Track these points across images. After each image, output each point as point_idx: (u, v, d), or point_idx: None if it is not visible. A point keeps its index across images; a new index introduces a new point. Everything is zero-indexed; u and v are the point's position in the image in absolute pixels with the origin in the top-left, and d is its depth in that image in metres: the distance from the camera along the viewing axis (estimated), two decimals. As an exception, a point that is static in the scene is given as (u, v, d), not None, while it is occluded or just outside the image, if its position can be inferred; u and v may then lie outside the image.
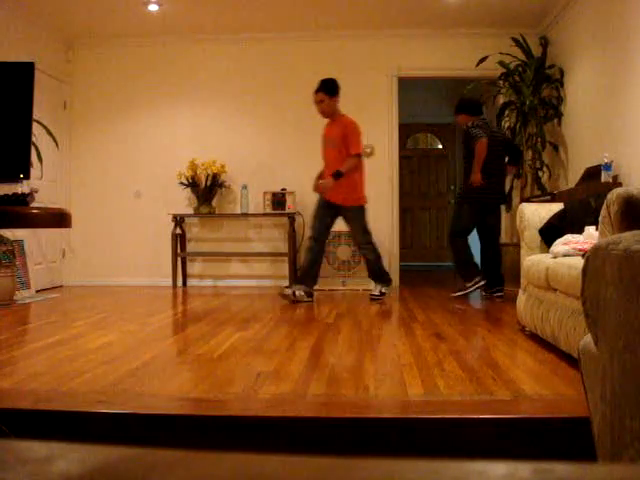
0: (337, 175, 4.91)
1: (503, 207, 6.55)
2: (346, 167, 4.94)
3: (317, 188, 5.06)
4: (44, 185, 5.79)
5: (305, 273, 5.11)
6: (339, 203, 5.04)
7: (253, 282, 6.58)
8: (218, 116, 6.67)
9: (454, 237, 5.39)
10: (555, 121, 5.95)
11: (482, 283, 5.24)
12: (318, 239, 5.10)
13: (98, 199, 6.72)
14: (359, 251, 5.42)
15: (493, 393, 2.19)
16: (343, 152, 4.97)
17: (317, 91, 5.05)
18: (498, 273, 5.35)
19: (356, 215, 5.08)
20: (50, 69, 6.19)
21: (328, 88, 5.02)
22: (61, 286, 6.54)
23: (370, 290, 5.99)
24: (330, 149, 5.07)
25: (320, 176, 5.21)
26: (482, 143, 5.11)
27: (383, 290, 5.18)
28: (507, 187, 5.83)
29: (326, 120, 5.17)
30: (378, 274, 5.20)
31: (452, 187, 9.27)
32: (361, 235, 5.13)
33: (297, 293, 5.00)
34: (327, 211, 5.08)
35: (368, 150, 6.56)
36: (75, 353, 2.97)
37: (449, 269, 8.07)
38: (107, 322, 4.07)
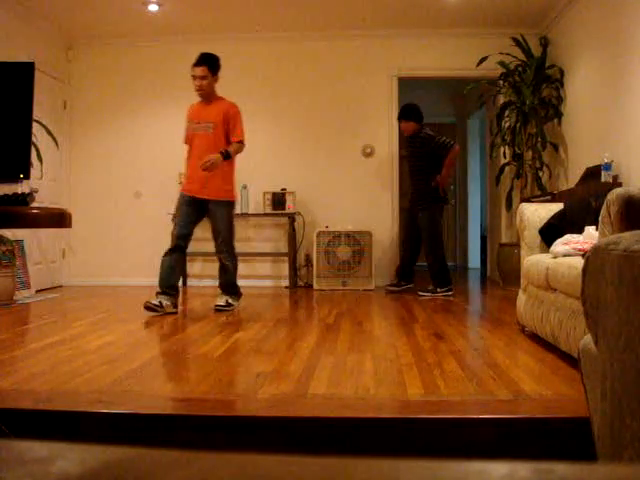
0: (226, 155, 4.28)
1: (503, 207, 6.55)
2: (234, 150, 4.36)
3: (206, 167, 4.21)
4: (44, 185, 5.79)
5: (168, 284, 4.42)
6: (206, 197, 4.37)
7: (253, 282, 6.58)
8: (218, 116, 6.66)
9: (435, 243, 5.55)
10: (555, 121, 5.95)
11: (450, 293, 5.47)
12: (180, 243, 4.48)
13: (98, 199, 6.72)
14: (219, 254, 4.50)
15: (493, 393, 2.19)
16: (221, 137, 4.37)
17: (199, 64, 4.35)
18: (411, 268, 5.77)
19: (224, 210, 4.41)
20: (50, 69, 6.19)
21: (213, 65, 4.37)
22: (61, 286, 6.54)
23: (368, 289, 6.00)
24: (203, 133, 4.39)
25: (190, 172, 4.47)
26: (457, 149, 5.47)
27: (230, 301, 4.50)
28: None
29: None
30: (231, 285, 4.55)
31: (452, 187, 9.26)
32: (227, 234, 4.43)
33: (164, 303, 4.32)
34: (191, 209, 4.42)
35: (368, 150, 6.56)
36: (75, 353, 2.97)
37: (450, 269, 8.05)
38: (107, 322, 4.07)
